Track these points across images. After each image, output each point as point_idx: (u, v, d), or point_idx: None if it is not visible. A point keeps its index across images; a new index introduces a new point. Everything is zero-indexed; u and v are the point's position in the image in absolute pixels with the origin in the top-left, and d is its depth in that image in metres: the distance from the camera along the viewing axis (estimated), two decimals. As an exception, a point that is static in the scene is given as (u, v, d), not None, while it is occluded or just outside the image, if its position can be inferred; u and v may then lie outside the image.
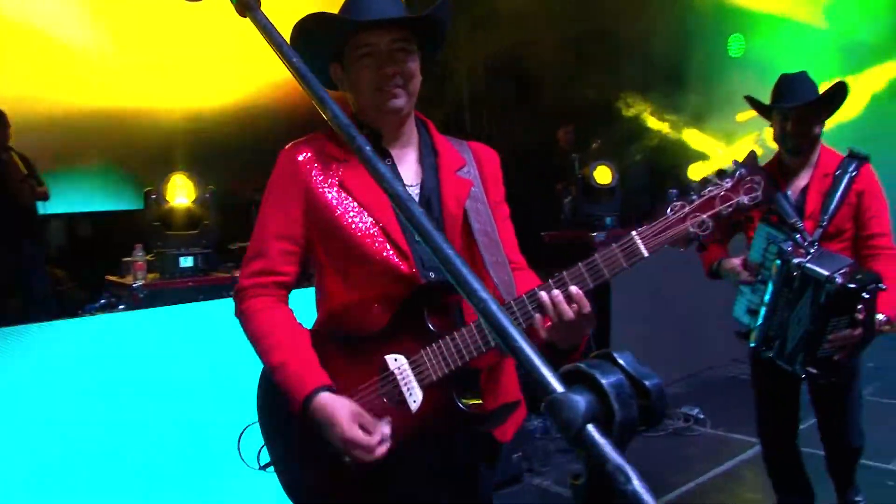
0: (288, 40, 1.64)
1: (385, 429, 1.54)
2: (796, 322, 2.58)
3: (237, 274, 4.42)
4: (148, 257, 4.18)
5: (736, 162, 1.45)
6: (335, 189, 1.67)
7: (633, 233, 1.46)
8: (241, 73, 6.05)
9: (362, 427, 1.52)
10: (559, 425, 0.57)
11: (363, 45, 1.63)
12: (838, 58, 7.30)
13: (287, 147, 1.74)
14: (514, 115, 9.58)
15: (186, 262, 4.26)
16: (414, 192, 1.70)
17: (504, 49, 7.89)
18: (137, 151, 5.87)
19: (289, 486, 1.76)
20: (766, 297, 2.64)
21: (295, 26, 1.64)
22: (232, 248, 5.02)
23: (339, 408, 1.54)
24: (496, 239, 1.75)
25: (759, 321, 2.68)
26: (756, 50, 8.26)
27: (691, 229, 1.44)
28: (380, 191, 1.55)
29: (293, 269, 1.72)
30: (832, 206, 2.71)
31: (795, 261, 2.55)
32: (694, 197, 1.45)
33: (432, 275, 1.66)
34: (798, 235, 2.65)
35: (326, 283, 1.74)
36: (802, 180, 2.85)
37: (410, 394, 1.60)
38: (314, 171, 1.68)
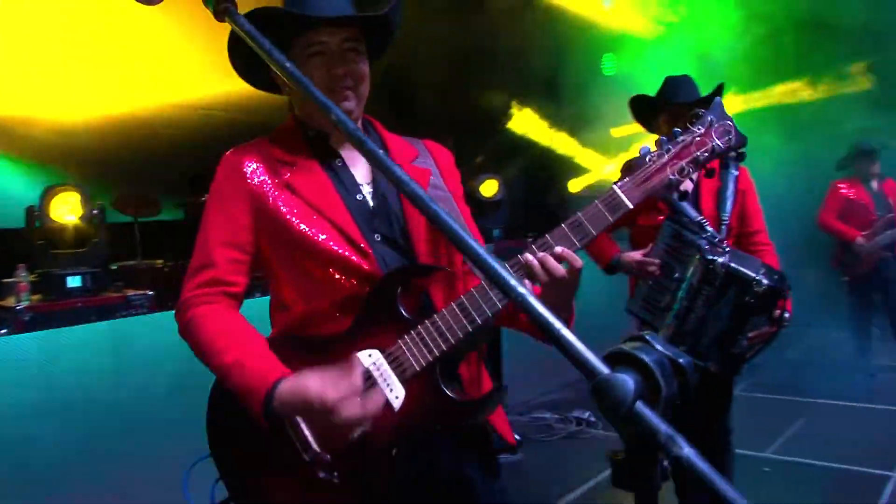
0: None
1: (359, 368, 1.41)
2: (714, 319, 2.63)
3: (129, 293, 4.26)
4: (31, 278, 3.94)
5: (703, 110, 1.47)
6: (284, 193, 1.59)
7: (615, 185, 1.46)
8: (124, 84, 5.80)
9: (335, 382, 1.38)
10: (609, 404, 0.62)
11: (314, 43, 1.56)
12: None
13: (229, 153, 1.66)
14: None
15: (74, 281, 4.05)
16: (367, 190, 1.65)
17: (383, 67, 7.96)
18: (16, 164, 5.51)
19: None
20: (681, 294, 2.68)
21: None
22: (113, 268, 4.82)
23: (303, 379, 1.40)
24: (465, 226, 1.68)
25: (672, 318, 2.73)
26: (626, 69, 8.72)
27: (671, 176, 1.44)
28: (330, 191, 1.56)
29: (243, 279, 1.62)
30: (729, 205, 2.81)
31: (720, 260, 2.58)
32: (669, 146, 1.46)
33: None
34: (708, 234, 2.69)
35: (282, 291, 1.64)
36: (689, 181, 2.89)
37: (391, 390, 1.46)
38: (261, 176, 1.61)
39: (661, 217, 2.84)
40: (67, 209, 4.13)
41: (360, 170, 1.67)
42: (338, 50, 1.56)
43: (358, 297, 1.54)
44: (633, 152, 1.50)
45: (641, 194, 1.44)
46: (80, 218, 4.12)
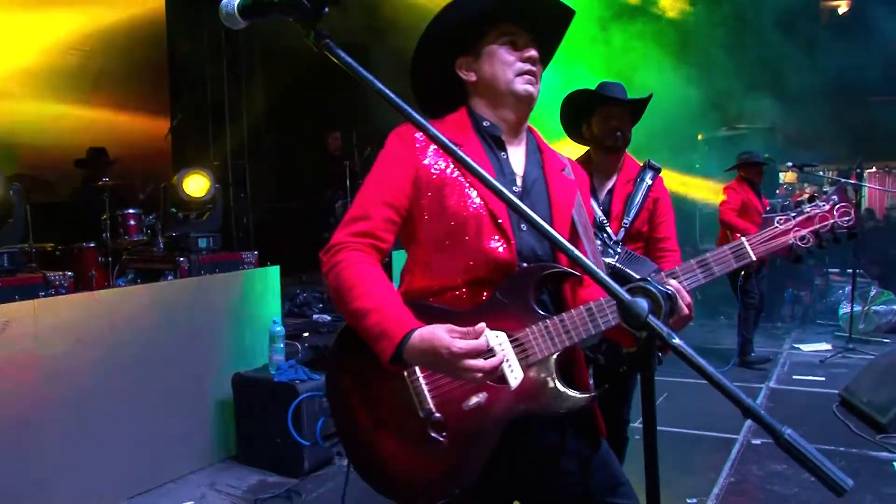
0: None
1: (481, 329, 1.48)
2: None
3: (49, 274, 4.29)
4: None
5: (830, 189, 1.72)
6: (448, 169, 1.71)
7: (743, 238, 1.66)
8: None
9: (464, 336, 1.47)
10: (633, 316, 1.04)
11: (505, 33, 1.77)
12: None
13: (401, 126, 1.76)
14: (289, 126, 9.87)
15: (-8, 261, 4.06)
16: (520, 183, 1.79)
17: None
18: None
19: (365, 464, 1.73)
20: None
21: (434, 21, 1.75)
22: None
23: (435, 329, 1.48)
24: (593, 239, 1.86)
25: None
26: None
27: (793, 241, 1.65)
28: (492, 173, 1.64)
29: (391, 238, 1.71)
30: (634, 210, 3.07)
31: (607, 260, 2.78)
32: (794, 214, 1.67)
33: (525, 265, 1.70)
34: (605, 234, 3.01)
35: (419, 257, 1.75)
36: (609, 183, 3.17)
37: (512, 370, 1.58)
38: (430, 149, 1.73)
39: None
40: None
41: (519, 165, 1.82)
42: (524, 42, 1.79)
43: (489, 281, 1.68)
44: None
45: (765, 250, 1.66)
46: (-4, 198, 4.14)
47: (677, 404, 5.47)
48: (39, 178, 6.73)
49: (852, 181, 7.57)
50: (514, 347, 1.60)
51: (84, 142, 6.68)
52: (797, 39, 9.57)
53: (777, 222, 1.66)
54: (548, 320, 1.62)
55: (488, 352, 1.49)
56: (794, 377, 6.47)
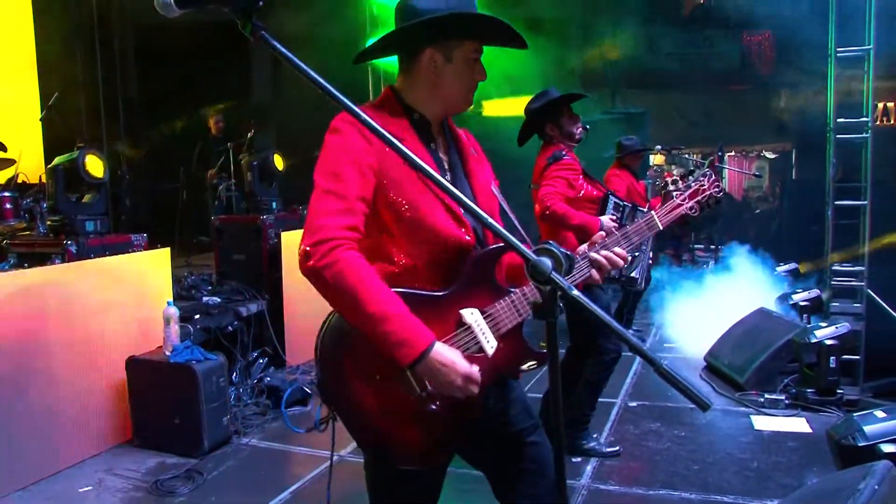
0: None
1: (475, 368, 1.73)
2: (646, 253, 4.03)
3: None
4: None
5: (697, 171, 2.20)
6: (400, 163, 1.77)
7: (653, 212, 2.10)
8: None
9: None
10: (539, 273, 1.24)
11: (477, 50, 1.90)
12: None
13: (348, 115, 1.75)
14: (166, 105, 9.61)
15: None
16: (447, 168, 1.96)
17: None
18: None
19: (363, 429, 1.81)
20: (645, 247, 3.88)
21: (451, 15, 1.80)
22: None
23: (452, 352, 1.71)
24: (511, 208, 2.05)
25: (635, 262, 3.80)
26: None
27: (686, 211, 2.14)
28: (434, 168, 1.83)
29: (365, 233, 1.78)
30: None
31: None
32: (683, 188, 2.18)
33: (481, 248, 1.89)
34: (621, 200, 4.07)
35: (389, 248, 1.83)
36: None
37: (488, 341, 1.81)
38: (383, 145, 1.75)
39: (597, 192, 3.95)
40: None
41: (443, 153, 1.98)
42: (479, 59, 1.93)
43: (457, 261, 1.84)
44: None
45: (668, 220, 2.13)
46: None
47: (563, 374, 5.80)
48: None
49: (715, 164, 8.15)
50: (486, 321, 1.82)
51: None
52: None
53: (676, 196, 2.10)
54: (511, 294, 1.86)
55: (466, 330, 1.79)
56: (665, 345, 7.04)
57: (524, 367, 1.93)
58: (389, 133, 1.37)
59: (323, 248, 1.65)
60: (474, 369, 1.71)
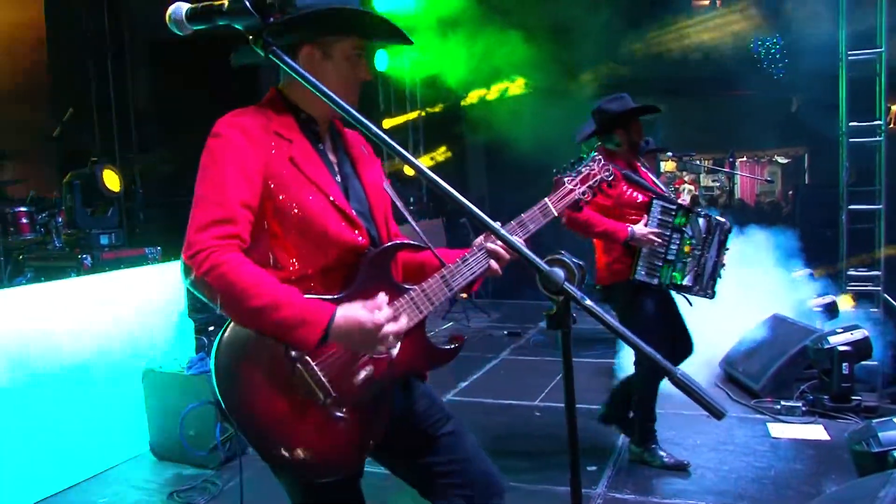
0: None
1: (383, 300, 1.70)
2: (709, 258, 3.88)
3: None
4: None
5: (594, 152, 2.21)
6: (289, 166, 1.74)
7: (546, 199, 2.07)
8: None
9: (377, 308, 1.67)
10: (552, 283, 1.24)
11: (358, 46, 1.86)
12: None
13: (235, 116, 1.76)
14: (179, 119, 9.67)
15: None
16: (337, 170, 1.90)
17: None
18: None
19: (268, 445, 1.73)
20: (691, 244, 3.82)
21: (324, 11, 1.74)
22: None
23: (354, 308, 1.65)
24: (405, 204, 2.05)
25: (687, 268, 3.83)
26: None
27: (578, 196, 2.12)
28: (324, 170, 1.83)
29: (250, 240, 1.71)
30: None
31: (706, 213, 3.89)
32: (574, 174, 2.13)
33: (374, 247, 1.85)
34: (676, 202, 3.84)
35: (278, 252, 1.77)
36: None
37: None
38: (271, 146, 1.74)
39: (642, 198, 3.83)
40: None
41: (332, 155, 1.93)
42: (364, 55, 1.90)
43: (352, 264, 1.81)
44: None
45: (562, 206, 2.10)
46: None
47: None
48: None
49: (727, 169, 8.12)
50: None
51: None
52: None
53: (568, 182, 2.13)
54: (411, 291, 1.83)
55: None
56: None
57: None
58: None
59: (199, 258, 1.60)
60: (387, 313, 1.67)
